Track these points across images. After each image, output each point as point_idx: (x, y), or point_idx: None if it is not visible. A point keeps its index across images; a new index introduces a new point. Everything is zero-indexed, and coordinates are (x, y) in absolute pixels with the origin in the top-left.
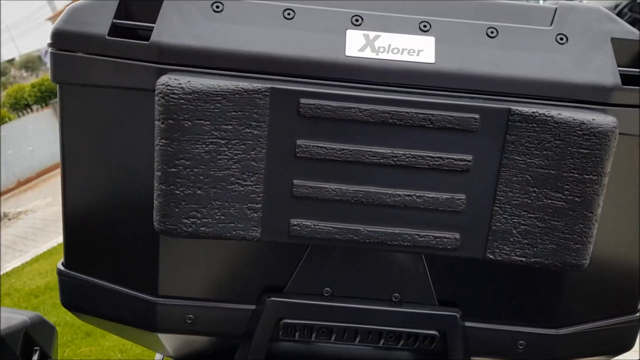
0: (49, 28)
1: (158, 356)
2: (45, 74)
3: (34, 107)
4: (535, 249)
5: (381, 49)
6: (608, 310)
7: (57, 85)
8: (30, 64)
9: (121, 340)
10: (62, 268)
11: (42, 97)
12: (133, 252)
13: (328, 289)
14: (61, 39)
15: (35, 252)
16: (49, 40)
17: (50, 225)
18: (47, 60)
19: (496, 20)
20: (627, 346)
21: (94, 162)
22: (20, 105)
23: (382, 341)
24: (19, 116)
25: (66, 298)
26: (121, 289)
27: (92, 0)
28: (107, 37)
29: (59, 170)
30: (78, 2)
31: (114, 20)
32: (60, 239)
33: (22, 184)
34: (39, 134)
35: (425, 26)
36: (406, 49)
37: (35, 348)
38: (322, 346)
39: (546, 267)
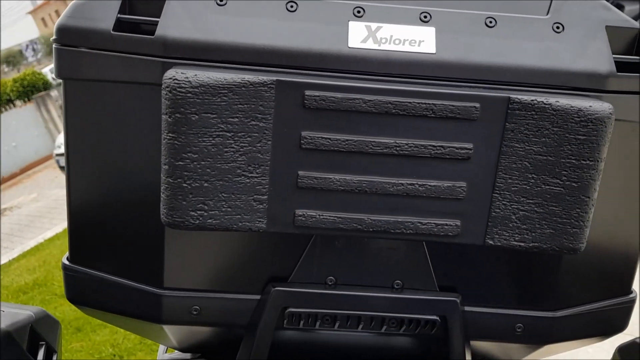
0: (30, 22)
1: (162, 348)
2: (26, 68)
3: (17, 102)
4: (533, 234)
5: (383, 40)
6: (603, 292)
7: (62, 80)
8: (11, 58)
9: (112, 335)
10: (67, 262)
11: (25, 92)
12: (138, 245)
13: (331, 277)
14: (65, 35)
15: (21, 248)
16: (53, 36)
17: (36, 221)
18: (29, 54)
19: (494, 10)
20: (621, 327)
21: (98, 157)
22: (3, 101)
23: (384, 327)
24: (1, 112)
25: (71, 292)
26: (127, 282)
27: None
28: (112, 32)
29: (43, 166)
30: None
31: (119, 15)
32: (46, 235)
33: (6, 180)
34: (23, 130)
35: (425, 17)
36: (407, 40)
37: (41, 343)
38: (326, 334)
39: (544, 251)
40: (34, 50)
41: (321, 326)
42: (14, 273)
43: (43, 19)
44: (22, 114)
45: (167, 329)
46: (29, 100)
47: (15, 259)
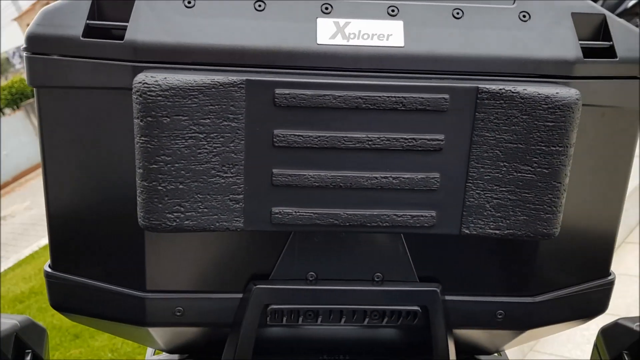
0: (15, 29)
1: (149, 351)
2: (14, 75)
3: (6, 110)
4: (508, 221)
5: (352, 36)
6: (582, 275)
7: (34, 89)
8: None
9: (111, 340)
10: (49, 270)
11: (14, 100)
12: (119, 250)
13: (312, 273)
14: (35, 43)
15: (17, 257)
16: (23, 45)
17: (31, 230)
18: (16, 61)
19: (461, 1)
20: (601, 309)
21: (75, 163)
22: None
23: (366, 320)
24: None
25: (55, 300)
26: (109, 286)
27: (64, 2)
28: (81, 38)
29: (35, 173)
30: (50, 4)
31: (88, 21)
32: (41, 242)
33: None
34: (13, 138)
35: (393, 11)
36: (376, 34)
37: (27, 351)
38: (309, 329)
39: (519, 238)
40: (21, 57)
41: (304, 322)
42: (10, 282)
43: (29, 25)
44: (12, 122)
45: (152, 331)
46: (17, 107)
47: (10, 268)
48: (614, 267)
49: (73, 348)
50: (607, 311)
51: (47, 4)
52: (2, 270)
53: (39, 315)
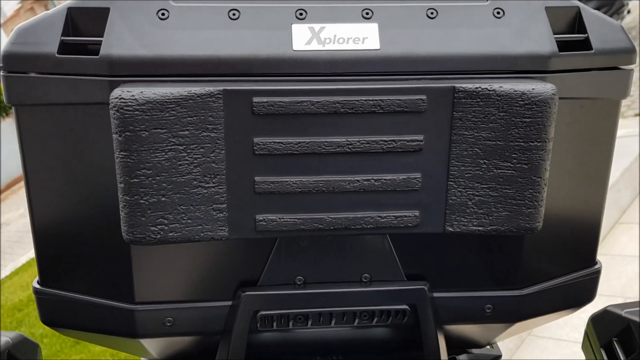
0: (1, 35)
1: None
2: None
3: None
4: (490, 218)
5: (327, 40)
6: (568, 266)
7: (13, 107)
8: None
9: None
10: (37, 286)
11: (3, 108)
12: (106, 263)
13: (300, 277)
14: (11, 62)
15: (14, 265)
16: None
17: (26, 237)
18: None
19: (435, 0)
20: (589, 298)
21: (58, 180)
22: None
23: (356, 321)
24: None
25: (45, 315)
26: (99, 300)
27: (38, 19)
28: (56, 55)
29: None
30: (24, 22)
31: (62, 38)
32: None
33: None
34: (3, 146)
35: (367, 13)
36: (351, 38)
37: None
38: (300, 332)
39: (502, 233)
40: None
41: (294, 326)
42: (8, 291)
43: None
44: (1, 129)
45: (144, 342)
46: (7, 115)
47: (8, 276)
48: (609, 249)
49: (74, 354)
50: (604, 292)
51: (31, 8)
52: (0, 278)
53: (38, 323)
